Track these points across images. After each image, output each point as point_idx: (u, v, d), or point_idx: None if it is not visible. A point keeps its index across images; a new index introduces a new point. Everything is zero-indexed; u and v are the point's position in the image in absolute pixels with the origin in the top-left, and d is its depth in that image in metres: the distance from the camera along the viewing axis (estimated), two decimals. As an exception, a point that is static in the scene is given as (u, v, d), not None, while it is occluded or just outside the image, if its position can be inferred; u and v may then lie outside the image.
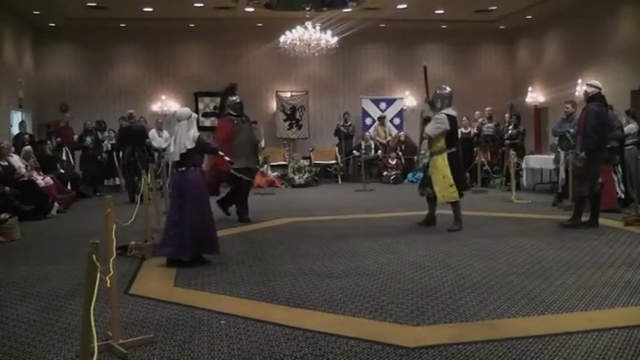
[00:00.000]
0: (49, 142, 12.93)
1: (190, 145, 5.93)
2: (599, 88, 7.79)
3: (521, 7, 15.58)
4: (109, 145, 13.69)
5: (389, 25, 17.11)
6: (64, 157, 13.23)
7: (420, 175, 15.67)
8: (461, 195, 7.74)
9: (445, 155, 7.62)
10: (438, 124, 7.63)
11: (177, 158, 6.05)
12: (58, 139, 13.34)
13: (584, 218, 7.92)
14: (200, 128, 15.12)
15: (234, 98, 8.95)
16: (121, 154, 12.44)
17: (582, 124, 7.69)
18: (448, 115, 7.65)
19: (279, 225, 8.70)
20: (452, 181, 7.59)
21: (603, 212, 7.95)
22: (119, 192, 13.22)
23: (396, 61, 18.18)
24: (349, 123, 16.48)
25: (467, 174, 14.05)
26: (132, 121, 12.44)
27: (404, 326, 4.10)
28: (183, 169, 6.01)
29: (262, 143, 15.82)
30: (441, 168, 7.63)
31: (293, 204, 11.32)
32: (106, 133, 14.26)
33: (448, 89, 7.89)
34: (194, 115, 6.18)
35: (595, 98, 7.72)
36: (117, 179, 14.26)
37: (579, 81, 14.51)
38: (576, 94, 14.15)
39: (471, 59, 18.65)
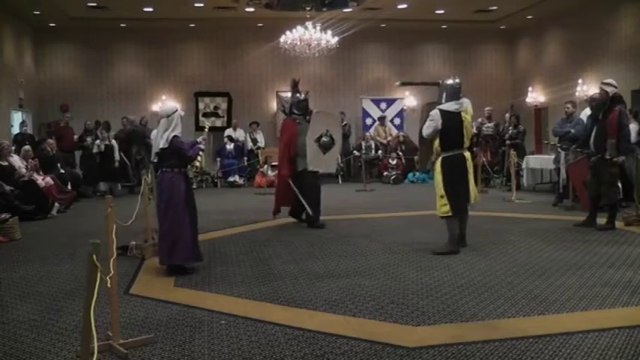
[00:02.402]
0: (49, 139, 12.87)
1: (163, 144, 5.57)
2: (617, 87, 7.65)
3: (521, 7, 15.59)
4: (102, 147, 13.42)
5: (389, 25, 17.11)
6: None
7: (420, 175, 15.88)
8: (456, 210, 6.35)
9: (440, 160, 6.46)
10: (429, 121, 6.51)
11: (153, 158, 5.89)
12: (50, 140, 12.98)
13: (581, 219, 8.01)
14: (199, 128, 15.54)
15: (297, 96, 8.63)
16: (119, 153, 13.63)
17: (616, 127, 7.36)
18: (443, 111, 6.43)
19: (279, 225, 8.69)
20: (443, 192, 6.33)
21: (602, 212, 7.94)
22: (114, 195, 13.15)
23: (396, 61, 18.19)
24: (345, 122, 16.39)
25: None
26: (135, 125, 14.08)
27: (404, 326, 4.10)
28: (164, 169, 5.76)
29: (262, 143, 16.05)
30: (435, 174, 6.56)
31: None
32: (99, 134, 13.99)
33: (457, 80, 6.79)
34: (177, 113, 5.63)
35: (617, 99, 7.54)
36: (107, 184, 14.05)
37: (579, 81, 14.53)
38: (576, 94, 14.16)
39: (471, 59, 18.65)
